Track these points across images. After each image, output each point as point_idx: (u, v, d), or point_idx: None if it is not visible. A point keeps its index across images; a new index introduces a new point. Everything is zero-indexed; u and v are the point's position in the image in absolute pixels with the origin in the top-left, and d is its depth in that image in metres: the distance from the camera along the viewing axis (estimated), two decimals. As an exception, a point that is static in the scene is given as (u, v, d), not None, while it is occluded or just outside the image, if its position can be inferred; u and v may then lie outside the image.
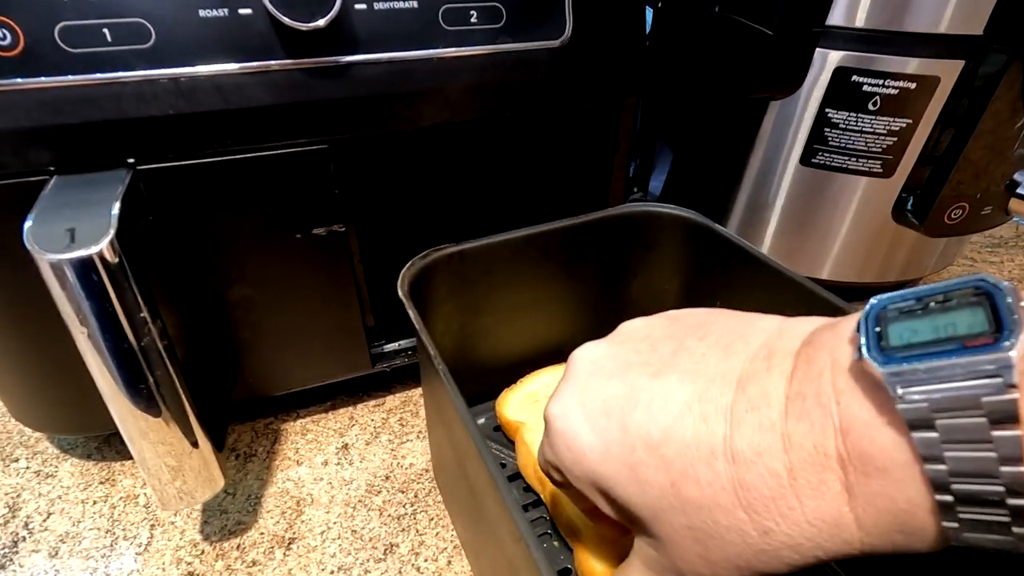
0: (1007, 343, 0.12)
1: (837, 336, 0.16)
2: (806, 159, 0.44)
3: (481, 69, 0.30)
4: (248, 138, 0.28)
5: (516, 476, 0.34)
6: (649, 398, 0.19)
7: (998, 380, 0.12)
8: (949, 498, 0.13)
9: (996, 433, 0.12)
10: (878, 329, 0.15)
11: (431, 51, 0.29)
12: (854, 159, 0.43)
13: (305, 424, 0.40)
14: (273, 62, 0.27)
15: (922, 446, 0.13)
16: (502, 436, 0.36)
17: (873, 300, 0.15)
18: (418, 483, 0.36)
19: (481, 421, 0.38)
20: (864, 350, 0.14)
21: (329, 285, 0.34)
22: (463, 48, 0.30)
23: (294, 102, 0.28)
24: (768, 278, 0.31)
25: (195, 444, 0.28)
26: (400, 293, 0.27)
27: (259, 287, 0.33)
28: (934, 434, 0.13)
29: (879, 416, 0.14)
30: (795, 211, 0.48)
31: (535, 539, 0.18)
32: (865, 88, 0.40)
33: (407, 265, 0.29)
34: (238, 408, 0.41)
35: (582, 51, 0.33)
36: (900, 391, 0.13)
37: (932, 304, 0.14)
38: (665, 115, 0.58)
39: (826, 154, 0.43)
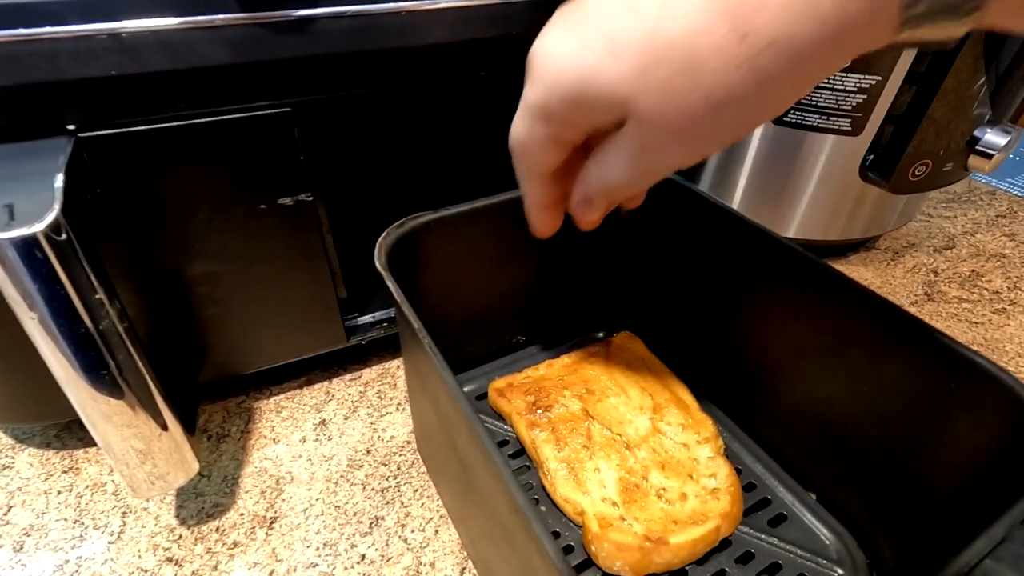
0: None
1: None
2: (778, 118, 0.44)
3: (453, 24, 0.29)
4: (202, 101, 0.26)
5: (504, 443, 0.34)
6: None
7: None
8: None
9: None
10: None
11: (400, 4, 0.27)
12: (825, 117, 0.43)
13: (279, 401, 0.39)
14: (227, 16, 0.24)
15: None
16: (486, 405, 0.36)
17: None
18: (400, 455, 0.36)
19: (467, 389, 0.37)
20: None
21: (298, 258, 0.33)
22: (434, 1, 0.28)
23: (252, 61, 0.26)
24: (747, 236, 0.31)
25: (164, 427, 0.27)
26: (378, 265, 0.26)
27: (224, 262, 0.31)
28: None
29: None
30: (764, 170, 0.48)
31: (533, 508, 0.17)
32: (837, 44, 0.40)
33: (383, 235, 0.28)
34: (208, 388, 0.39)
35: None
36: None
37: None
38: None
39: (797, 112, 0.44)
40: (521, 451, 0.33)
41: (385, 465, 0.35)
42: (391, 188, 0.40)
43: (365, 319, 0.40)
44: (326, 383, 0.41)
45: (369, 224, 0.32)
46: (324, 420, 0.38)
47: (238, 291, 0.32)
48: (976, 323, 0.47)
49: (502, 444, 0.33)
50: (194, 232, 0.29)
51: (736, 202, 0.51)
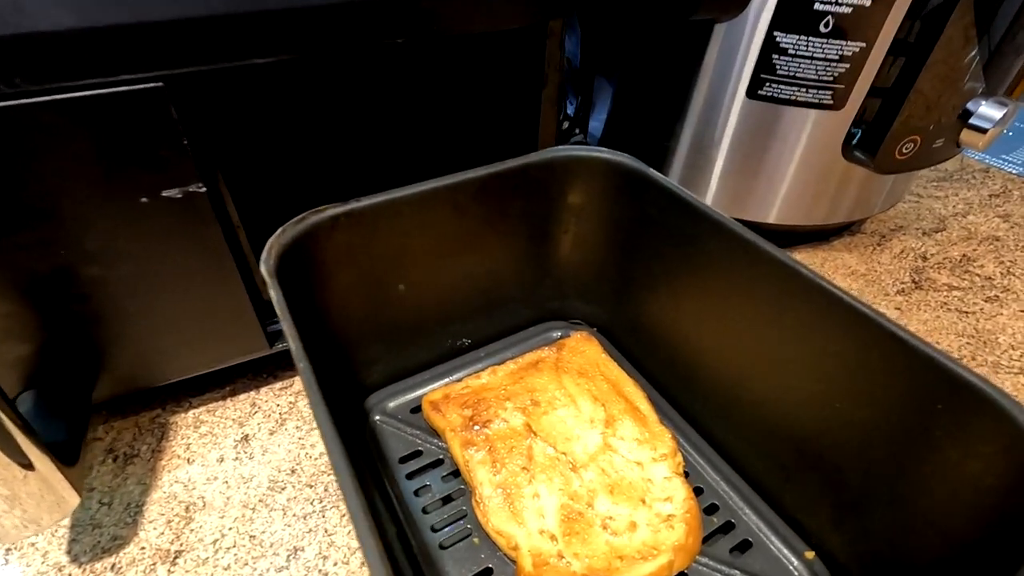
0: None
1: None
2: (752, 91, 0.40)
3: (356, -21, 0.24)
4: (47, 74, 0.22)
5: (438, 462, 0.30)
6: None
7: None
8: None
9: None
10: None
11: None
12: (804, 89, 0.39)
13: (199, 415, 0.35)
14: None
15: None
16: (420, 419, 0.32)
17: None
18: (329, 475, 0.32)
19: (404, 400, 0.33)
20: None
21: (197, 257, 0.28)
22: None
23: (106, 26, 0.21)
24: (709, 229, 0.27)
25: (29, 467, 0.23)
26: (263, 270, 0.22)
27: (106, 265, 0.27)
28: None
29: None
30: (742, 150, 0.44)
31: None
32: (817, 6, 0.35)
33: (277, 232, 0.24)
34: (119, 402, 0.35)
35: (486, -42, 0.27)
36: None
37: None
38: (604, 46, 0.52)
39: (774, 85, 0.39)
40: (458, 471, 0.29)
41: (311, 487, 0.31)
42: (319, 173, 0.35)
43: (293, 322, 0.36)
44: (253, 393, 0.37)
45: (295, 212, 0.28)
46: (247, 436, 0.34)
47: (130, 297, 0.28)
48: (967, 312, 0.43)
49: (436, 464, 0.30)
50: (62, 232, 0.25)
51: (712, 185, 0.47)
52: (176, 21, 0.22)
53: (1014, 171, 0.60)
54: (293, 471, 0.32)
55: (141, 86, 0.23)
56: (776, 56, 0.38)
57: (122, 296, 0.28)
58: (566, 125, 0.65)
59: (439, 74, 0.33)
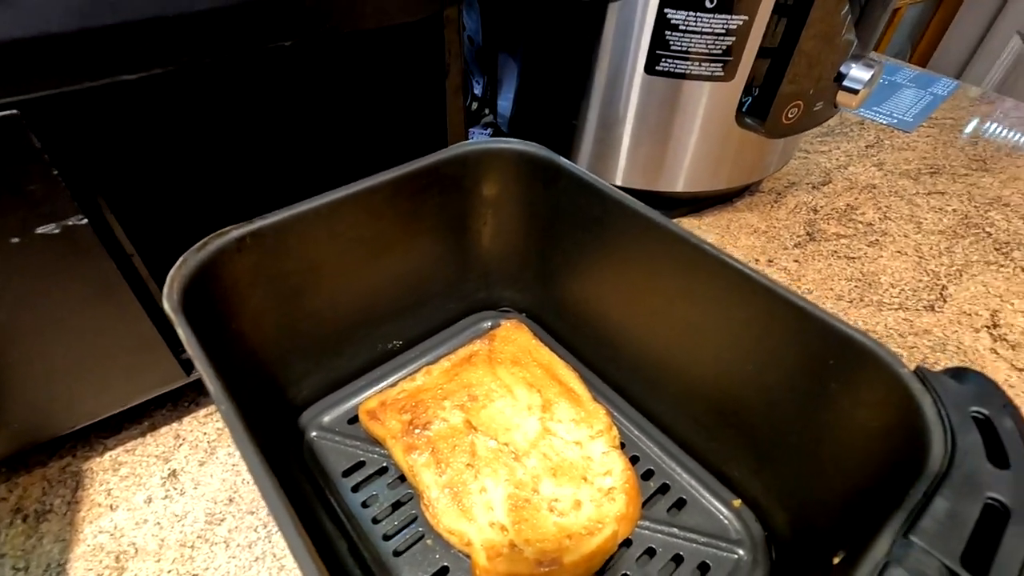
0: None
1: None
2: (650, 67, 0.41)
3: (230, -17, 0.22)
4: None
5: (383, 470, 0.30)
6: None
7: None
8: None
9: None
10: None
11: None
12: (696, 63, 0.40)
13: (116, 456, 0.33)
14: None
15: None
16: (359, 429, 0.31)
17: None
18: (270, 498, 0.31)
19: (339, 412, 0.32)
20: None
21: (90, 292, 0.26)
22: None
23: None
24: (618, 212, 0.28)
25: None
26: (167, 307, 0.20)
27: (-20, 315, 0.24)
28: None
29: None
30: (646, 124, 0.46)
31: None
32: (701, -17, 0.37)
33: (177, 264, 0.22)
34: (17, 457, 0.32)
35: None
36: None
37: None
38: (505, 22, 0.52)
39: (669, 60, 0.41)
40: (404, 477, 0.29)
41: (252, 513, 0.30)
42: (219, 188, 0.33)
43: (210, 345, 0.34)
44: (175, 424, 0.35)
45: (198, 231, 0.26)
46: (174, 471, 0.32)
47: (13, 345, 0.25)
48: (854, 258, 0.48)
49: (381, 472, 0.30)
50: (-81, 285, 0.22)
51: (622, 160, 0.49)
52: (24, 40, 0.20)
53: (884, 122, 0.66)
54: (231, 500, 0.31)
55: (-9, 116, 0.20)
56: (669, 32, 0.39)
57: (4, 346, 0.25)
58: (475, 106, 0.64)
59: (336, 75, 0.32)
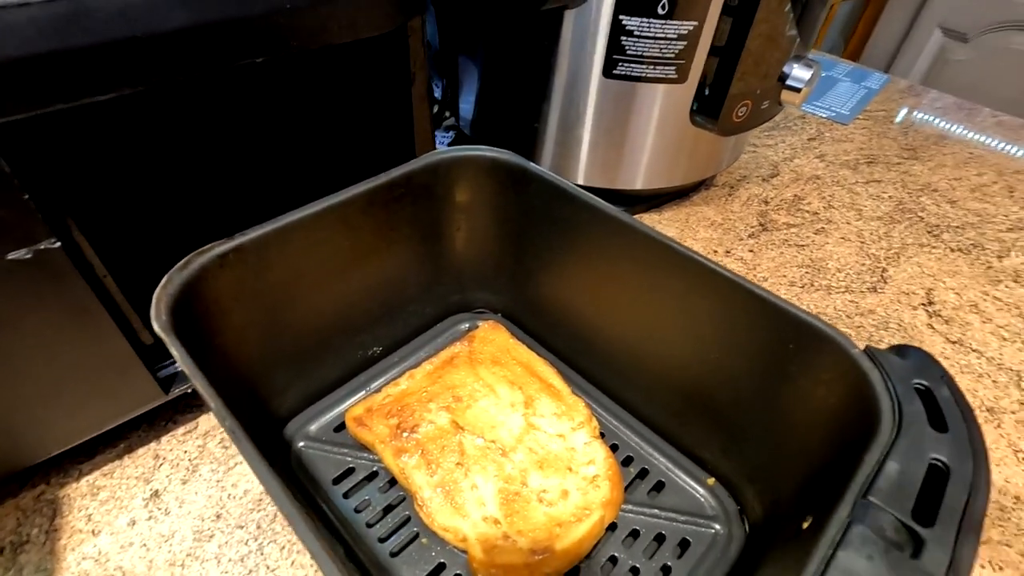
0: None
1: None
2: (608, 71, 0.43)
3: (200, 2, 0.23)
4: None
5: (373, 475, 0.30)
6: None
7: None
8: None
9: None
10: None
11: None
12: (651, 67, 0.42)
13: (94, 480, 0.32)
14: None
15: None
16: (346, 436, 0.32)
17: None
18: (259, 510, 0.31)
19: (324, 420, 0.33)
20: None
21: (65, 316, 0.26)
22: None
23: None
24: (590, 216, 0.30)
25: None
26: (157, 328, 0.20)
27: (-52, 346, 0.23)
28: None
29: None
30: (604, 126, 0.48)
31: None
32: (652, -9, 0.39)
33: (162, 283, 0.22)
34: (-13, 488, 0.31)
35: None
36: None
37: None
38: (463, 28, 0.52)
39: (625, 64, 0.42)
40: (394, 481, 0.30)
41: (241, 527, 0.31)
42: (192, 205, 0.33)
43: (186, 362, 0.33)
44: (153, 445, 0.34)
45: (169, 248, 0.26)
46: (156, 491, 0.32)
47: (-13, 375, 0.25)
48: (803, 246, 0.51)
49: (371, 477, 0.30)
50: None
51: (582, 160, 0.50)
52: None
53: (823, 115, 0.71)
54: (218, 516, 0.31)
55: (-41, 143, 0.20)
56: (624, 38, 0.41)
57: (-24, 375, 0.25)
58: (436, 109, 0.65)
59: (302, 88, 0.32)
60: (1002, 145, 0.66)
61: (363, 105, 0.37)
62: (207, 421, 0.35)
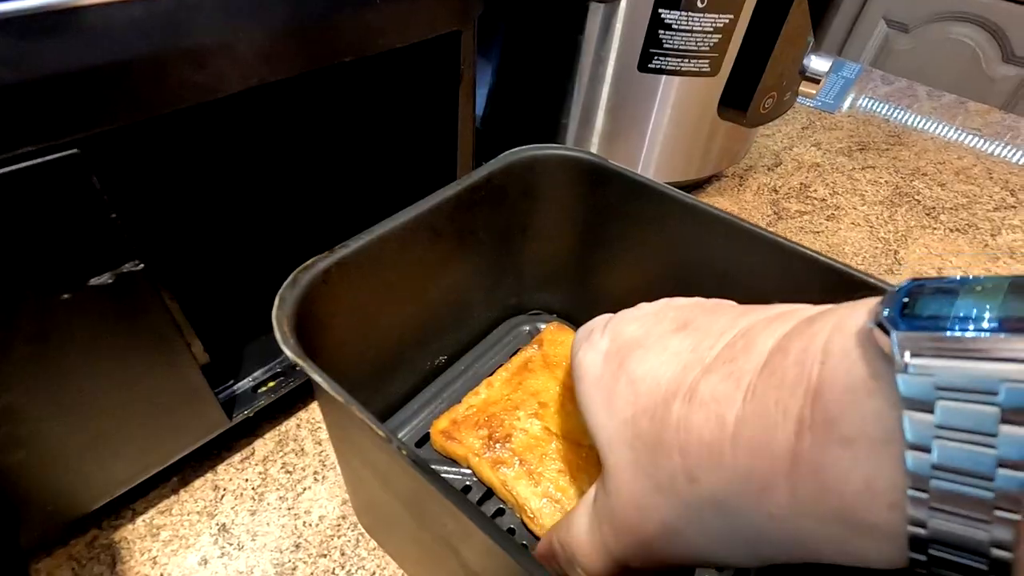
0: None
1: (855, 304, 0.14)
2: (643, 64, 0.43)
3: (303, -2, 0.21)
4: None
5: (466, 489, 0.29)
6: (654, 343, 0.19)
7: None
8: (923, 494, 0.11)
9: (1005, 428, 0.10)
10: (906, 299, 0.13)
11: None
12: (687, 60, 0.43)
13: (151, 520, 0.30)
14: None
15: (912, 428, 0.11)
16: (428, 450, 0.31)
17: (908, 280, 0.14)
18: (339, 536, 0.30)
19: (402, 436, 0.31)
20: (883, 312, 0.12)
21: (139, 348, 0.23)
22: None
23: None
24: (666, 208, 0.29)
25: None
26: (289, 353, 0.19)
27: (21, 391, 0.21)
28: (930, 416, 0.11)
29: (867, 382, 0.12)
30: (631, 119, 0.47)
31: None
32: (694, -15, 0.39)
33: (276, 303, 0.21)
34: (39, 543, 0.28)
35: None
36: (908, 359, 0.11)
37: (980, 288, 0.12)
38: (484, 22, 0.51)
39: (662, 57, 0.43)
40: (489, 493, 0.29)
41: (325, 556, 0.29)
42: (247, 219, 0.31)
43: (244, 384, 0.31)
44: (210, 475, 0.32)
45: (220, 262, 0.24)
46: (223, 525, 0.30)
47: (54, 419, 0.22)
48: (818, 232, 0.53)
49: (465, 491, 0.29)
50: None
51: (594, 151, 0.50)
52: (92, 69, 0.17)
53: (810, 104, 0.73)
54: (298, 546, 0.29)
55: (56, 155, 0.18)
56: (662, 31, 0.41)
57: (42, 420, 0.22)
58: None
59: (360, 94, 0.30)
60: (972, 133, 0.70)
61: (407, 104, 0.35)
62: (264, 446, 0.33)
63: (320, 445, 0.33)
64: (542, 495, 0.27)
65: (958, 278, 0.13)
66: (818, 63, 0.47)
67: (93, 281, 0.21)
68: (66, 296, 0.20)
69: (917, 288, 0.13)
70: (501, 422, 0.29)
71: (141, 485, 0.31)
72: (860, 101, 0.75)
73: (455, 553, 0.20)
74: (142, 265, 0.21)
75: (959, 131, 0.70)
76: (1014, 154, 0.66)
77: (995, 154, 0.66)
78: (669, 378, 0.18)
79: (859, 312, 0.14)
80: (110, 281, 0.21)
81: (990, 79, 1.36)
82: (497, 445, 0.29)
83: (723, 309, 0.20)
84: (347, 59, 0.24)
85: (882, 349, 0.12)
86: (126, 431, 0.25)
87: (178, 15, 0.18)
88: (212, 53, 0.19)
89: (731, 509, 0.15)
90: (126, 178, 0.22)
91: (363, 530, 0.30)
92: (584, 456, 0.28)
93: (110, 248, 0.20)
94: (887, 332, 0.12)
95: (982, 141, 0.68)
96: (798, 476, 0.13)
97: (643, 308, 0.23)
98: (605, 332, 0.22)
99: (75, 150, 0.18)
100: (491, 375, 0.32)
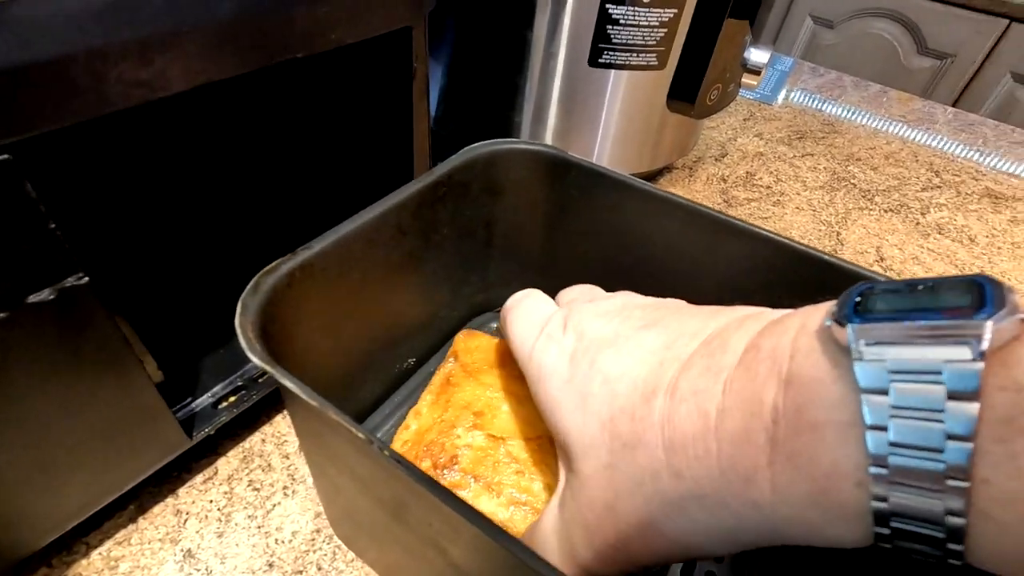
0: (983, 315, 0.12)
1: (816, 308, 0.16)
2: (593, 59, 0.44)
3: (252, -9, 0.20)
4: None
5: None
6: (625, 342, 0.20)
7: (965, 348, 0.12)
8: (883, 470, 0.12)
9: (951, 404, 0.12)
10: (859, 299, 0.14)
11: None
12: (635, 54, 0.43)
13: (108, 552, 0.28)
14: None
15: (870, 410, 0.13)
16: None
17: (859, 284, 0.15)
18: (315, 551, 0.29)
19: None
20: (838, 311, 0.14)
21: (89, 364, 0.22)
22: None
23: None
24: (634, 197, 0.30)
25: None
26: (256, 360, 0.18)
27: (-47, 417, 0.19)
28: (885, 398, 0.12)
29: (830, 372, 0.14)
30: (582, 114, 0.48)
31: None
32: (639, -21, 0.39)
33: (239, 310, 0.20)
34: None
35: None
36: (862, 347, 0.13)
37: (921, 287, 0.14)
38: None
39: (610, 52, 0.43)
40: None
41: (301, 572, 0.28)
42: (195, 223, 0.29)
43: (203, 400, 0.30)
44: (170, 499, 0.30)
45: (162, 263, 0.23)
46: (189, 551, 0.28)
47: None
48: (766, 218, 0.55)
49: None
50: None
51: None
52: (26, 67, 0.16)
53: (750, 96, 0.76)
54: (271, 565, 0.28)
55: (-18, 164, 0.16)
56: (610, 27, 0.42)
57: (-19, 450, 0.20)
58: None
59: (303, 89, 0.30)
60: (897, 120, 0.75)
61: (360, 103, 0.34)
62: (227, 464, 0.32)
63: (288, 459, 0.32)
64: (508, 503, 0.26)
65: (907, 281, 0.14)
66: (758, 55, 0.49)
67: (32, 298, 0.19)
68: (2, 315, 0.18)
69: (868, 289, 0.14)
70: (442, 446, 0.28)
71: (95, 516, 0.29)
72: (794, 93, 0.79)
73: (442, 554, 0.19)
74: (87, 279, 0.20)
75: (885, 119, 0.74)
76: (935, 139, 0.71)
77: (918, 140, 0.70)
78: (646, 376, 0.18)
79: (820, 313, 0.15)
80: (51, 297, 0.19)
81: (907, 70, 1.45)
82: (445, 472, 0.28)
83: (688, 310, 0.21)
84: (299, 55, 0.23)
85: (840, 342, 0.13)
86: (75, 458, 0.23)
87: (118, 8, 0.17)
88: (155, 49, 0.18)
89: (716, 501, 0.16)
90: (67, 185, 0.21)
91: (340, 542, 0.29)
92: (536, 448, 0.28)
93: (50, 261, 0.19)
94: (843, 326, 0.13)
95: (906, 128, 0.73)
96: (777, 464, 0.14)
97: (602, 305, 0.23)
98: (567, 330, 0.22)
99: (5, 156, 0.17)
100: (415, 405, 0.31)
